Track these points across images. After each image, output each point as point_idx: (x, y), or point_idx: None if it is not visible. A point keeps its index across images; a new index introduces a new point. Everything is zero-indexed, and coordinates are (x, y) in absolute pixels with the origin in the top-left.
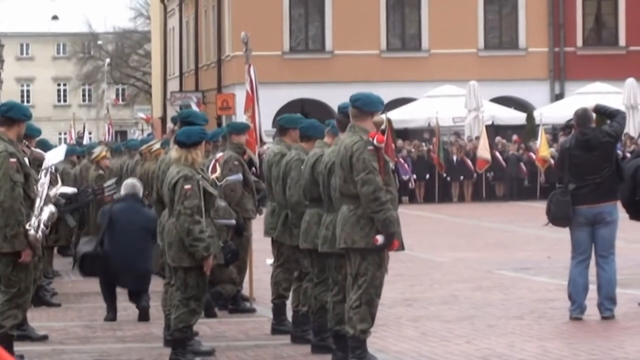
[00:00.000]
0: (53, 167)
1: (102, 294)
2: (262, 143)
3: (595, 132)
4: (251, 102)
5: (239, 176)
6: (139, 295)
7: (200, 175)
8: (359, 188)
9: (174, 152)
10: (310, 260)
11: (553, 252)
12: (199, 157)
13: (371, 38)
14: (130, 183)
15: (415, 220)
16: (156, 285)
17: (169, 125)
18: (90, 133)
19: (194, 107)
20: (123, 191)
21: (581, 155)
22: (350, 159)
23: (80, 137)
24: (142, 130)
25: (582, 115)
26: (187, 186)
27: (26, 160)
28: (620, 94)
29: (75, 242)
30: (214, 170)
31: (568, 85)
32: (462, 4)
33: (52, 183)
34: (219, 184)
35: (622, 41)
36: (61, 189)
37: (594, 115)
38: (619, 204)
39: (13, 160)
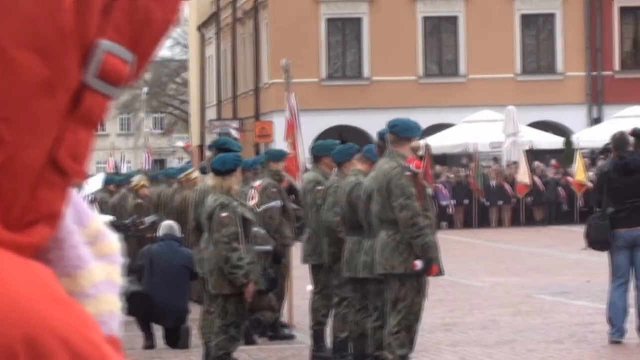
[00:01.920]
0: (91, 196)
1: (139, 326)
2: (306, 170)
3: (633, 156)
4: (292, 129)
5: (277, 203)
6: (176, 331)
7: (237, 203)
8: (397, 214)
9: (210, 180)
10: (353, 286)
11: (592, 276)
12: (234, 184)
13: (408, 64)
14: (168, 225)
15: (454, 245)
16: (195, 313)
17: (207, 153)
18: (129, 162)
19: (235, 135)
20: (161, 232)
21: (620, 179)
22: (389, 185)
23: (117, 166)
24: (181, 159)
25: (620, 139)
26: (224, 214)
27: None
28: None
29: None
30: (253, 197)
31: (606, 109)
32: (500, 29)
33: None
34: (257, 210)
35: None
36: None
37: (632, 138)
38: None
39: None
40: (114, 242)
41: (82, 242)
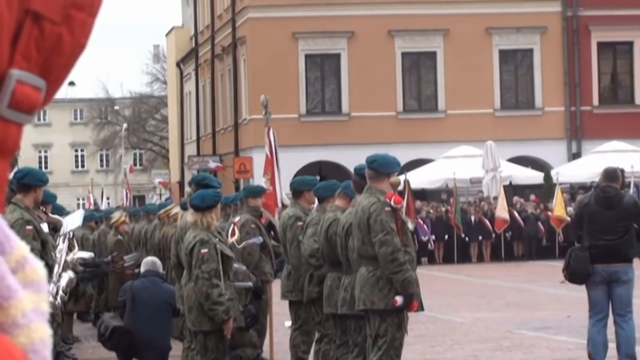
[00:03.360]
0: (71, 233)
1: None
2: (283, 206)
3: (617, 192)
4: (270, 165)
5: (259, 239)
6: None
7: (217, 239)
8: (377, 249)
9: (189, 216)
10: (333, 322)
11: (572, 311)
12: (214, 220)
13: (387, 100)
14: (150, 260)
15: (434, 280)
16: (176, 349)
17: (187, 189)
18: (108, 198)
19: (212, 165)
20: (143, 268)
21: (600, 212)
22: (368, 221)
23: (96, 203)
24: (160, 195)
25: (612, 173)
26: (204, 250)
27: (43, 226)
28: (637, 152)
29: (94, 309)
30: (232, 234)
31: (585, 144)
32: (478, 65)
33: (70, 248)
34: (237, 247)
35: (638, 99)
36: (78, 253)
37: (620, 176)
38: (635, 263)
39: (29, 227)
40: (39, 268)
41: (8, 271)
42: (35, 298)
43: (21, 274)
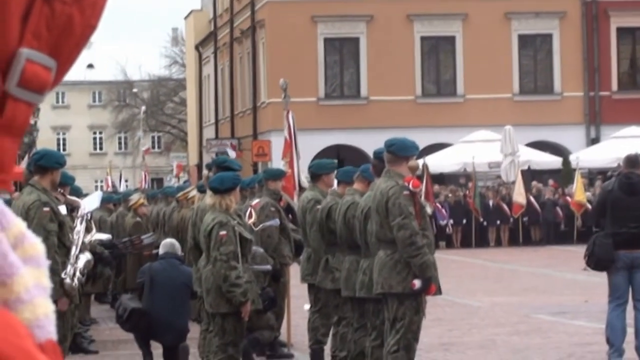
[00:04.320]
0: (89, 215)
1: (137, 344)
2: (302, 189)
3: None
4: (289, 148)
5: (276, 221)
6: (175, 349)
7: (235, 221)
8: (395, 233)
9: (208, 198)
10: (351, 305)
11: (590, 296)
12: (233, 202)
13: (406, 84)
14: (169, 242)
15: (452, 265)
16: (194, 331)
17: (204, 171)
18: (126, 181)
19: (232, 154)
20: (162, 250)
21: (624, 199)
22: (386, 204)
23: (114, 185)
24: (179, 178)
25: (634, 159)
26: (223, 232)
27: (61, 208)
28: None
29: (112, 291)
30: (250, 216)
31: (604, 129)
32: (497, 49)
33: (88, 230)
34: (255, 229)
35: None
36: (96, 235)
37: None
38: None
39: (46, 209)
40: (37, 243)
41: (10, 248)
42: (36, 273)
43: (20, 249)
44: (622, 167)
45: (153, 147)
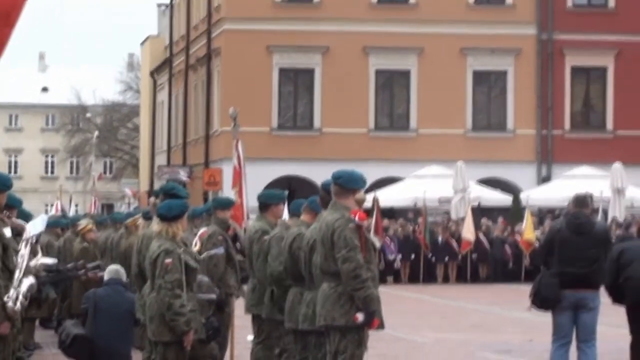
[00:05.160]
0: (34, 238)
1: None
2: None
3: (588, 219)
4: (238, 177)
5: (220, 249)
6: None
7: (181, 249)
8: (340, 265)
9: (155, 225)
10: (294, 337)
11: (535, 335)
12: (180, 230)
13: (360, 116)
14: (114, 268)
15: (399, 300)
16: (136, 359)
17: (151, 199)
18: (77, 205)
19: (183, 177)
20: (107, 276)
21: (571, 239)
22: (332, 236)
23: (64, 209)
24: (129, 204)
25: (581, 199)
26: (168, 260)
27: (6, 231)
28: (607, 178)
29: (57, 316)
30: (195, 244)
31: (555, 168)
32: (451, 84)
33: (34, 254)
34: (200, 257)
35: (609, 125)
36: (42, 259)
37: (591, 202)
38: (602, 291)
39: None
40: None
41: None
42: None
43: None
44: (569, 207)
45: (105, 173)
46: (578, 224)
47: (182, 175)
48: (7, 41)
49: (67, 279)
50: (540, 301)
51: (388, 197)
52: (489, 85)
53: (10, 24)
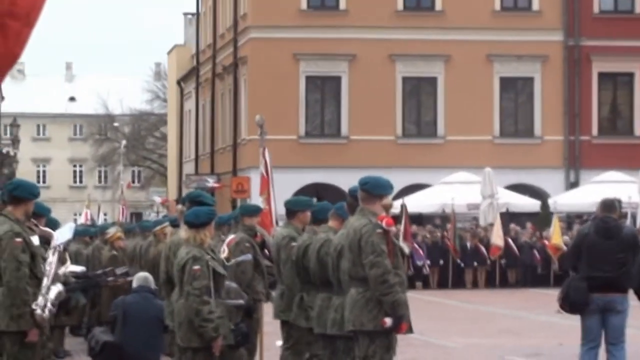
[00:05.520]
0: (61, 246)
1: None
2: (277, 224)
3: (616, 222)
4: (266, 184)
5: (248, 256)
6: None
7: (209, 256)
8: (367, 271)
9: (183, 232)
10: (323, 343)
11: (564, 339)
12: (207, 237)
13: (387, 124)
14: (143, 276)
15: (428, 305)
16: None
17: (178, 206)
18: (105, 214)
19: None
20: (135, 283)
21: (599, 243)
22: (359, 242)
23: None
24: (157, 213)
25: (610, 204)
26: (196, 267)
27: (34, 239)
28: (635, 183)
29: (87, 323)
30: (223, 252)
31: (583, 173)
32: (478, 91)
33: (62, 262)
34: (227, 264)
35: (637, 130)
36: (70, 267)
37: (618, 207)
38: (630, 294)
39: (19, 240)
40: None
41: None
42: None
43: None
44: (597, 211)
45: (133, 181)
46: (606, 229)
47: (210, 182)
48: (27, 40)
49: (96, 286)
50: (569, 305)
51: (416, 203)
52: (516, 91)
53: (30, 24)
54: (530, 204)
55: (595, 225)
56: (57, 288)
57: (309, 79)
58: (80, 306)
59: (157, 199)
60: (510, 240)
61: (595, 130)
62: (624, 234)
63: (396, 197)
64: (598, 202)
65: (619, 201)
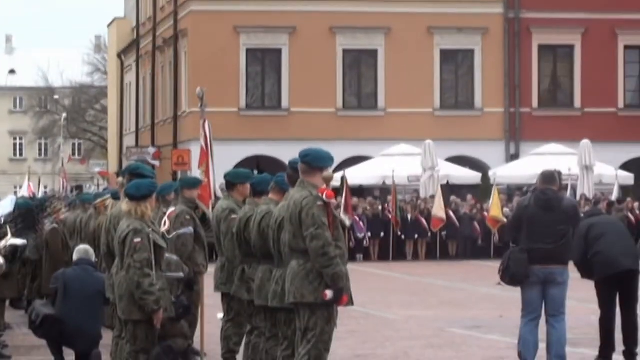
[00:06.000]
0: (2, 219)
1: (50, 350)
2: (217, 198)
3: (556, 194)
4: (205, 157)
5: (190, 229)
6: (88, 356)
7: (150, 229)
8: (308, 243)
9: (124, 205)
10: (264, 315)
11: (505, 311)
12: (148, 210)
13: (327, 96)
14: (83, 249)
15: (369, 277)
16: (107, 338)
17: (119, 179)
18: (45, 187)
19: (149, 159)
20: (76, 256)
21: (539, 215)
22: (300, 214)
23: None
24: (98, 185)
25: (550, 176)
26: (137, 239)
27: None
28: (575, 155)
29: (27, 296)
30: (164, 224)
31: (523, 145)
32: (419, 63)
33: (3, 236)
34: (168, 237)
35: (577, 102)
36: (10, 240)
37: (557, 179)
38: (570, 265)
39: None
40: None
41: None
42: None
43: None
44: (537, 184)
45: (73, 154)
46: (546, 200)
47: (150, 154)
48: None
49: (35, 220)
50: (509, 277)
51: (357, 175)
52: (457, 64)
53: None
54: (471, 176)
55: (535, 198)
56: None
57: (249, 51)
58: (20, 280)
59: (97, 169)
60: (451, 213)
61: (535, 103)
62: (564, 206)
63: (337, 170)
64: (538, 175)
65: (559, 173)
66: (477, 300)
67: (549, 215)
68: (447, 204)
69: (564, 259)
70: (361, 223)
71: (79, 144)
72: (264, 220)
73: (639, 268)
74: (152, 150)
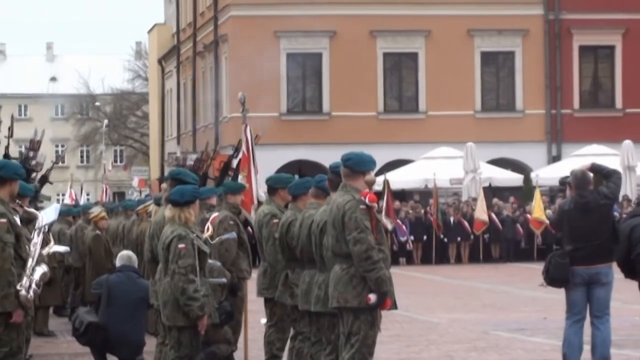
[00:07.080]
0: (46, 227)
1: (94, 357)
2: (259, 203)
3: (593, 195)
4: (247, 162)
5: (233, 234)
6: None
7: (194, 234)
8: (351, 247)
9: (167, 211)
10: (309, 320)
11: (549, 313)
12: (192, 215)
13: (368, 100)
14: (126, 255)
15: (412, 281)
16: (150, 344)
17: (163, 185)
18: (88, 194)
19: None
20: (119, 262)
21: (579, 218)
22: (342, 218)
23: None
24: (140, 192)
25: (580, 178)
26: (181, 245)
27: (17, 219)
28: (617, 156)
29: (71, 303)
30: (207, 230)
31: (565, 147)
32: (459, 66)
33: (46, 242)
34: (211, 242)
35: (618, 103)
36: (54, 247)
37: (591, 177)
38: (614, 265)
39: (3, 220)
40: None
41: None
42: None
43: None
44: (571, 187)
45: (115, 161)
46: (584, 204)
47: (190, 160)
48: None
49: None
50: (549, 280)
51: (398, 179)
52: (497, 66)
53: None
54: (513, 178)
55: (574, 202)
56: (42, 269)
57: (289, 56)
58: (65, 288)
59: (135, 181)
60: (493, 215)
61: (576, 104)
62: (602, 203)
63: (379, 173)
64: (570, 174)
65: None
66: (521, 303)
67: (589, 216)
68: (489, 206)
69: (608, 256)
70: (403, 226)
71: (121, 151)
72: (312, 224)
73: None
74: (194, 156)
